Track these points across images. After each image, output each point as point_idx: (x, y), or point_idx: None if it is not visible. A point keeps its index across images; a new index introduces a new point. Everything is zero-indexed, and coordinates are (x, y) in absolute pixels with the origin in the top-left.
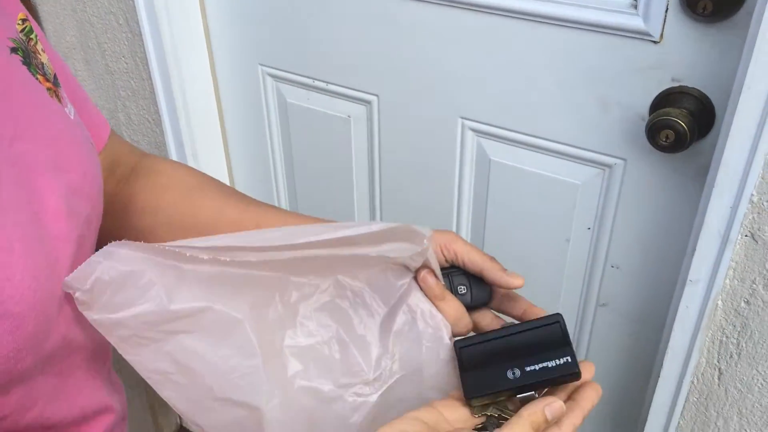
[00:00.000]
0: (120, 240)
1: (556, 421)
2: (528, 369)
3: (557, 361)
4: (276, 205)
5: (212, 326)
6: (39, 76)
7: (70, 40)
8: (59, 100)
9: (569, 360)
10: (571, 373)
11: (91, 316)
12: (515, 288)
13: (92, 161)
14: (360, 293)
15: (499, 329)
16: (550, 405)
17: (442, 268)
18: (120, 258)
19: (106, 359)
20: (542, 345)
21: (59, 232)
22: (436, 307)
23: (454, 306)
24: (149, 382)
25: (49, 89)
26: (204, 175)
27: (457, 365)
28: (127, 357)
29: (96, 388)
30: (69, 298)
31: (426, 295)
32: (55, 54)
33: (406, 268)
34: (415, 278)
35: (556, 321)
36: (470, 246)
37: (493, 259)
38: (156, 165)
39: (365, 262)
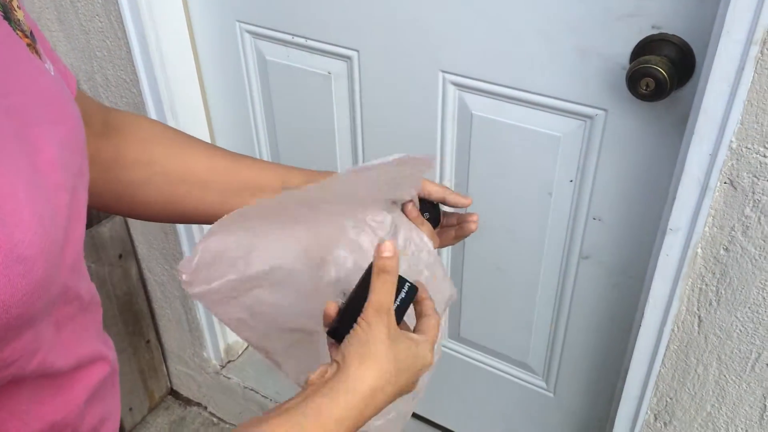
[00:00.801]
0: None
1: None
2: None
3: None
4: None
5: (278, 280)
6: (18, 32)
7: None
8: (39, 56)
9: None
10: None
11: (192, 290)
12: (468, 205)
13: (77, 115)
14: (372, 225)
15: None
16: None
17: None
18: (211, 241)
19: (97, 314)
20: None
21: (56, 181)
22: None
23: (428, 228)
24: (230, 327)
25: (29, 45)
26: (176, 129)
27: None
28: (215, 312)
29: (89, 339)
30: (68, 246)
31: (411, 222)
32: (25, 9)
33: (393, 203)
34: (402, 210)
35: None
36: (428, 180)
37: (446, 187)
38: (128, 119)
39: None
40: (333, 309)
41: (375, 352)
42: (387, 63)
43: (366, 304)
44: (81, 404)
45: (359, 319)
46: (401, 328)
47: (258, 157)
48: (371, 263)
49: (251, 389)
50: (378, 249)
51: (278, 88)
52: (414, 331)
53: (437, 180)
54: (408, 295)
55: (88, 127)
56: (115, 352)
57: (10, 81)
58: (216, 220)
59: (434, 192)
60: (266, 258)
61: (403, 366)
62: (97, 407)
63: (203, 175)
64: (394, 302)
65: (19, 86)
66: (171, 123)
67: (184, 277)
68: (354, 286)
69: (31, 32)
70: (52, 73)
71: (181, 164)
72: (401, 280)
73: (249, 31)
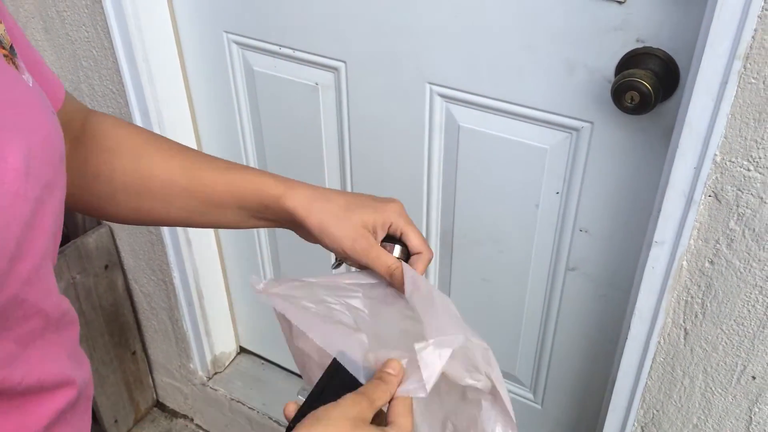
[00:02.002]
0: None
1: None
2: None
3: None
4: None
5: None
6: None
7: (29, 8)
8: (16, 68)
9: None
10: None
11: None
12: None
13: (53, 127)
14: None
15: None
16: None
17: (391, 238)
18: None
19: (71, 332)
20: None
21: (17, 189)
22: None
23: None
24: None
25: (5, 56)
26: (145, 132)
27: None
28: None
29: (58, 360)
30: (22, 259)
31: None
32: (10, 20)
33: None
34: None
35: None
36: (412, 228)
37: (426, 245)
38: (100, 126)
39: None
40: (292, 409)
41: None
42: (374, 74)
43: (350, 397)
44: (41, 429)
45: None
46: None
47: (244, 161)
48: (332, 362)
49: (238, 401)
50: (387, 364)
51: (266, 98)
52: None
53: (423, 195)
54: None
55: (69, 131)
56: (90, 374)
57: None
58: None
59: (413, 247)
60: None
61: None
62: None
63: (160, 191)
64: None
65: None
66: (158, 133)
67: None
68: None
69: (11, 46)
70: (30, 84)
71: (139, 180)
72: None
73: (236, 42)
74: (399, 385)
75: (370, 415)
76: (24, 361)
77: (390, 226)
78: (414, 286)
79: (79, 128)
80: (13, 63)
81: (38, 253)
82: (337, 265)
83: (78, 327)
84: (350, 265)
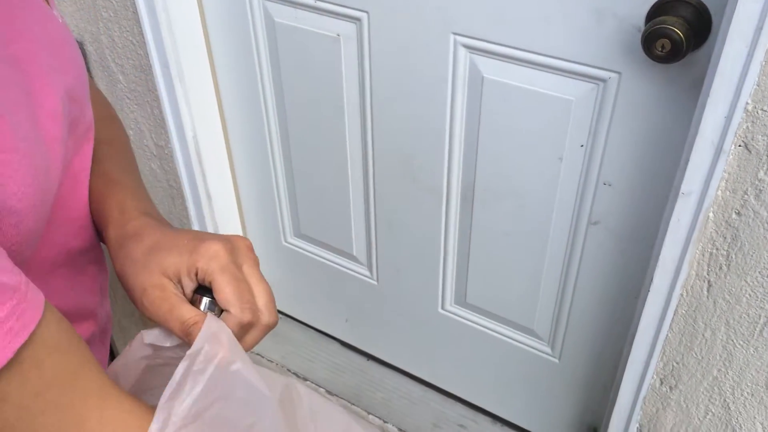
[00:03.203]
0: None
1: None
2: None
3: None
4: (266, 129)
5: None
6: None
7: None
8: (48, 3)
9: None
10: None
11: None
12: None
13: (82, 65)
14: None
15: None
16: None
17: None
18: None
19: (95, 270)
20: None
21: (54, 134)
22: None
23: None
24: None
25: None
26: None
27: None
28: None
29: (79, 292)
30: (54, 199)
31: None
32: None
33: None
34: None
35: None
36: (227, 276)
37: (245, 301)
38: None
39: None
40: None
41: None
42: (397, 25)
43: None
44: None
45: None
46: None
47: (264, 118)
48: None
49: (256, 354)
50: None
51: (286, 50)
52: None
53: (445, 147)
54: None
55: None
56: (109, 311)
57: (17, 28)
58: None
59: (223, 301)
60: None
61: None
62: None
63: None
64: None
65: (27, 34)
66: (177, 85)
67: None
68: None
69: None
70: (60, 21)
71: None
72: None
73: None
74: None
75: None
76: (45, 286)
77: (197, 273)
78: (203, 348)
79: None
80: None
81: (65, 188)
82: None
83: (105, 267)
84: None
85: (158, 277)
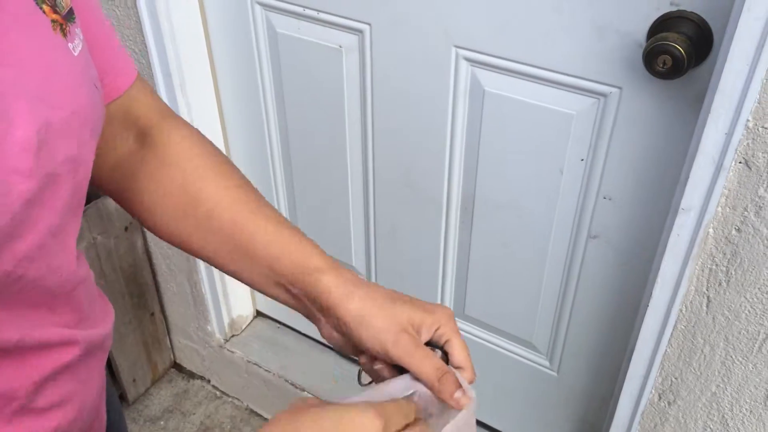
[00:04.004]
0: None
1: None
2: None
3: None
4: (267, 140)
5: None
6: (44, 6)
7: None
8: (64, 35)
9: None
10: None
11: None
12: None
13: (90, 102)
14: None
15: None
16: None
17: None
18: None
19: (78, 293)
20: None
21: (20, 166)
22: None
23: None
24: None
25: (54, 21)
26: (214, 154)
27: None
28: None
29: (56, 324)
30: (22, 236)
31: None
32: None
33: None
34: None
35: None
36: (459, 339)
37: (470, 363)
38: (171, 133)
39: None
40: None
41: None
42: (399, 37)
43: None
44: (38, 381)
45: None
46: None
47: (266, 129)
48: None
49: (255, 363)
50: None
51: (288, 61)
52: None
53: (446, 161)
54: None
55: (130, 128)
56: (108, 328)
57: (2, 51)
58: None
59: (457, 362)
60: None
61: None
62: (61, 387)
63: (204, 221)
64: None
65: (13, 58)
66: (179, 96)
67: None
68: None
69: (70, 10)
70: (75, 54)
71: (186, 201)
72: None
73: (260, 3)
74: None
75: None
76: (16, 325)
77: (437, 330)
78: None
79: (145, 129)
80: (62, 30)
81: (43, 231)
82: (369, 381)
83: (84, 285)
84: (377, 372)
85: (407, 326)
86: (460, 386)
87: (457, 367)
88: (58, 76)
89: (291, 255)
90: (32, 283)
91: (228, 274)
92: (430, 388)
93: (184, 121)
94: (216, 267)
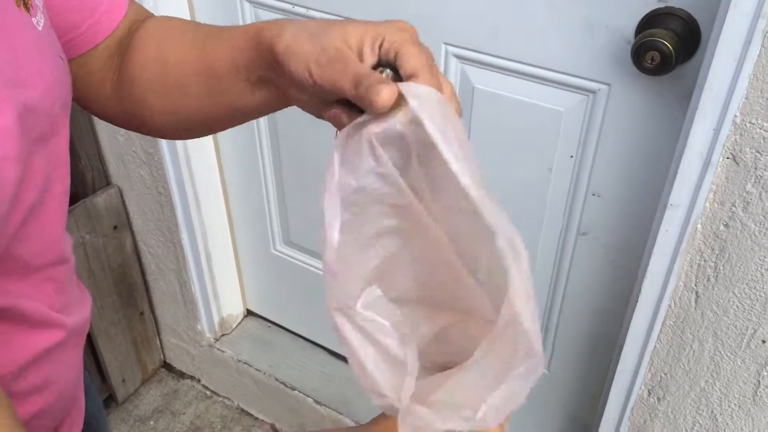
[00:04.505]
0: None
1: None
2: None
3: None
4: (256, 136)
5: None
6: None
7: None
8: (27, 10)
9: None
10: None
11: None
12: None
13: (58, 77)
14: None
15: None
16: None
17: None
18: None
19: (54, 275)
20: None
21: (6, 152)
22: None
23: None
24: None
25: None
26: (176, 21)
27: None
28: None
29: (29, 300)
30: (12, 215)
31: None
32: None
33: None
34: None
35: None
36: (414, 48)
37: (431, 71)
38: (141, 31)
39: None
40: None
41: None
42: None
43: None
44: (22, 364)
45: None
46: None
47: (255, 129)
48: None
49: (245, 363)
50: None
51: None
52: None
53: None
54: None
55: (119, 49)
56: (87, 313)
57: None
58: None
59: (407, 70)
60: None
61: None
62: (43, 370)
63: (176, 78)
64: None
65: None
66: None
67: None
68: None
69: None
70: (39, 28)
71: (160, 70)
72: None
73: (249, 0)
74: None
75: None
76: (2, 291)
77: (381, 46)
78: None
79: (130, 39)
80: (25, 5)
81: (24, 209)
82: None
83: (66, 266)
84: (333, 118)
85: (339, 45)
86: (387, 85)
87: (410, 77)
88: (26, 55)
89: (241, 40)
90: (16, 258)
91: (219, 124)
92: (352, 99)
93: (156, 15)
94: (204, 124)
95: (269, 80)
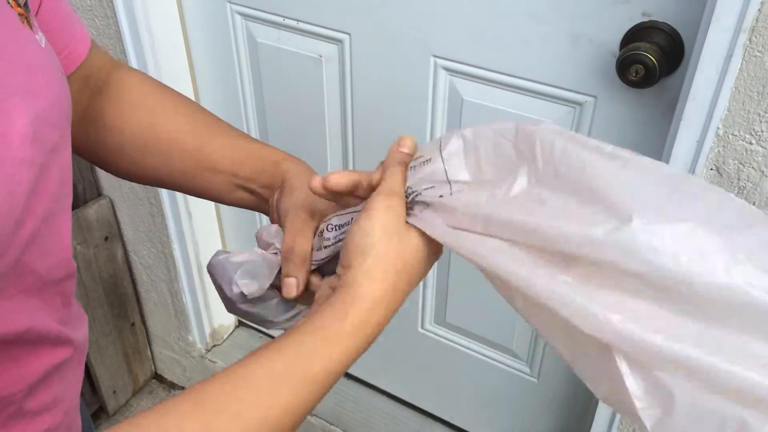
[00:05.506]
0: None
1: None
2: None
3: None
4: None
5: None
6: (11, 1)
7: None
8: (30, 27)
9: None
10: None
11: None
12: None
13: (62, 89)
14: None
15: None
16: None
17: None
18: None
19: (63, 289)
20: None
21: (23, 156)
22: None
23: None
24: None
25: (20, 15)
26: (169, 90)
27: None
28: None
29: (48, 313)
30: (26, 223)
31: None
32: None
33: None
34: None
35: None
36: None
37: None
38: (125, 79)
39: None
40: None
41: (377, 243)
42: (378, 47)
43: (373, 194)
44: (33, 382)
45: (362, 209)
46: None
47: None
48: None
49: None
50: (399, 142)
51: (269, 70)
52: None
53: None
54: None
55: (88, 85)
56: (86, 331)
57: None
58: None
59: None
60: None
61: (413, 258)
62: (52, 388)
63: (166, 148)
64: None
65: (2, 54)
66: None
67: None
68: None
69: (25, 2)
70: (42, 45)
71: (149, 135)
72: None
73: (240, 13)
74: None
75: (404, 208)
76: (26, 315)
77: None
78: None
79: (103, 80)
80: (27, 21)
81: (38, 217)
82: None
83: (73, 280)
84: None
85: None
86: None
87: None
88: (35, 69)
89: (251, 154)
90: (27, 267)
91: (189, 193)
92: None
93: (134, 68)
94: (179, 190)
95: (256, 193)
